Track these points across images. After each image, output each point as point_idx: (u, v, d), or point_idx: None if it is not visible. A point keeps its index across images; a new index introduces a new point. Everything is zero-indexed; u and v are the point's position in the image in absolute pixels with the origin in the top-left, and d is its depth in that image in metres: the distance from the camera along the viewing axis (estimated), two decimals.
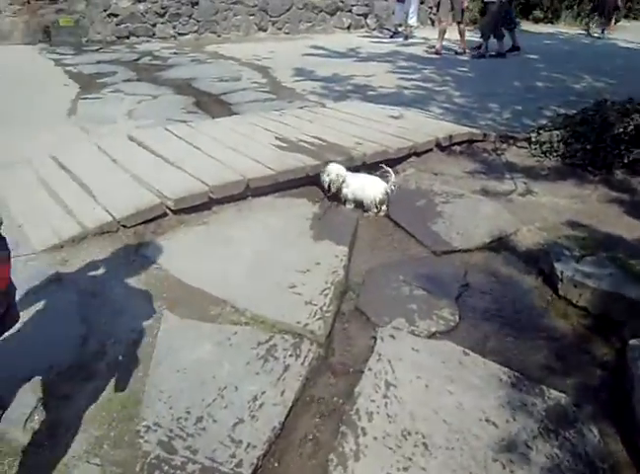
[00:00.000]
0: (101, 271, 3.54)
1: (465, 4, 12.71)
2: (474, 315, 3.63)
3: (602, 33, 17.89)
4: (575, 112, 6.41)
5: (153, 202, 4.11)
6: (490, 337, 3.43)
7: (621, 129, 5.52)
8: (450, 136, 5.93)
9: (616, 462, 2.62)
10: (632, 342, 3.24)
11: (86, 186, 4.32)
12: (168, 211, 4.17)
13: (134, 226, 3.90)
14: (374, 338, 3.26)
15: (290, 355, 2.97)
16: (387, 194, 4.61)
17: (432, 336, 3.36)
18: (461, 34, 12.76)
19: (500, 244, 4.42)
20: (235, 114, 7.09)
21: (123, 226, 3.86)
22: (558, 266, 3.83)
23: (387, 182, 4.62)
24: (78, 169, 4.60)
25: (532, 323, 3.61)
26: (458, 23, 12.60)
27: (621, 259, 3.99)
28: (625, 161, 5.49)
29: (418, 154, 5.72)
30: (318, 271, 3.76)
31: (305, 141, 5.47)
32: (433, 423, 2.63)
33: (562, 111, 7.52)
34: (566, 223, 4.62)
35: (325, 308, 3.37)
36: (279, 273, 3.71)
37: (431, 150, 5.83)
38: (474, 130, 6.24)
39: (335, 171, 4.66)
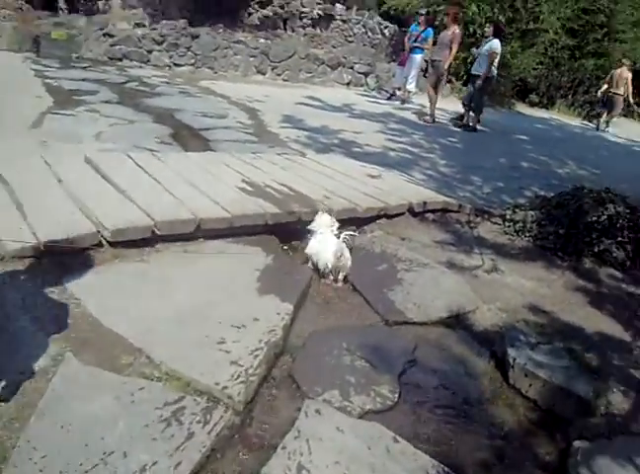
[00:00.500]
0: (7, 299, 3.21)
1: (445, 76, 13.02)
2: (416, 396, 3.34)
3: (607, 127, 18.27)
4: (552, 195, 6.31)
5: (88, 230, 3.83)
6: (428, 422, 3.14)
7: (595, 218, 5.40)
8: (425, 203, 5.78)
9: None
10: (575, 443, 2.99)
11: (20, 202, 4.03)
12: (104, 243, 3.88)
13: (61, 254, 3.59)
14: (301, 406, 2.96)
15: (198, 422, 2.64)
16: (341, 260, 4.35)
17: (365, 414, 3.06)
18: (432, 101, 12.78)
19: (457, 321, 4.18)
20: (211, 150, 6.93)
21: (49, 252, 3.54)
22: (511, 352, 3.59)
23: (347, 245, 4.40)
24: (16, 184, 4.31)
25: (477, 412, 3.33)
26: (435, 91, 12.65)
27: (577, 351, 3.76)
28: (595, 250, 5.35)
29: (389, 217, 5.54)
30: (254, 328, 3.47)
31: (273, 188, 5.28)
32: None
33: (542, 192, 7.50)
34: (528, 307, 4.40)
35: (251, 371, 3.06)
36: (210, 325, 3.41)
37: (402, 214, 5.66)
38: (450, 200, 6.10)
39: (318, 222, 4.45)
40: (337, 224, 4.52)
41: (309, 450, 2.58)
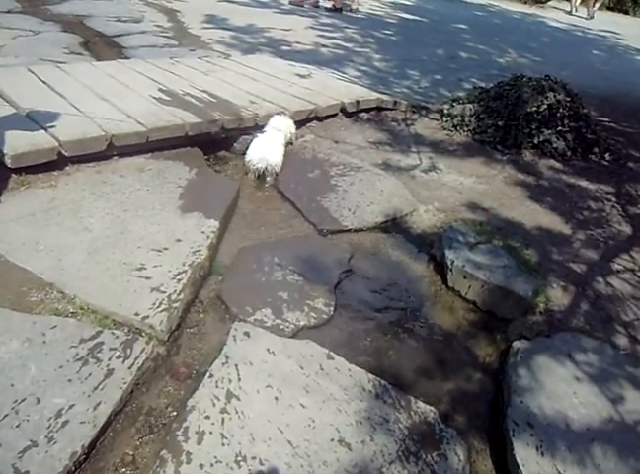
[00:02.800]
0: None
1: None
2: (352, 307, 3.22)
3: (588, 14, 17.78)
4: (491, 85, 6.06)
5: None
6: (365, 334, 3.05)
7: (534, 108, 5.23)
8: (358, 102, 5.43)
9: None
10: (515, 343, 2.96)
11: None
12: (7, 170, 3.45)
13: None
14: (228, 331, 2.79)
15: (118, 357, 2.43)
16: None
17: (299, 331, 2.93)
18: None
19: (393, 225, 4.03)
20: (125, 58, 6.26)
21: None
22: (449, 253, 3.49)
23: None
24: None
25: (416, 318, 3.25)
26: None
27: (516, 248, 3.70)
28: (535, 141, 5.23)
29: (320, 119, 5.20)
30: (177, 249, 3.21)
31: (192, 96, 4.81)
32: (275, 444, 2.20)
33: (482, 84, 7.25)
34: (466, 205, 4.28)
35: (174, 296, 2.83)
36: (128, 252, 3.12)
37: (335, 115, 5.33)
38: (384, 97, 5.77)
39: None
40: (292, 126, 4.54)
41: (238, 376, 2.43)
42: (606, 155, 5.39)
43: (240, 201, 4.01)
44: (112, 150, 3.93)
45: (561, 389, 2.64)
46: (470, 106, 5.58)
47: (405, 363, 2.91)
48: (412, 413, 2.46)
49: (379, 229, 3.97)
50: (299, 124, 5.01)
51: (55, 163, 3.69)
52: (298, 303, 3.11)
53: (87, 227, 3.27)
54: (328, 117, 5.21)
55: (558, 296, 3.34)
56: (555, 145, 5.19)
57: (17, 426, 2.08)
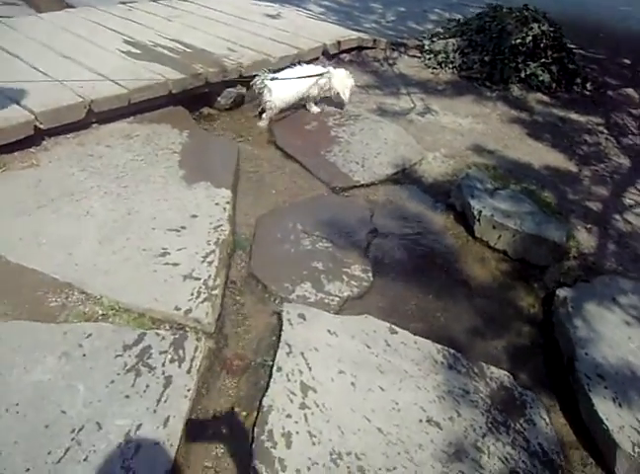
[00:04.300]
0: None
1: None
2: (388, 269, 3.08)
3: None
4: (468, 17, 5.82)
5: None
6: (409, 297, 2.92)
7: (519, 40, 5.06)
8: (339, 43, 5.09)
9: (568, 448, 2.30)
10: (559, 292, 2.92)
11: None
12: None
13: None
14: (278, 315, 2.59)
15: (172, 361, 2.19)
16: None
17: (345, 303, 2.76)
18: None
19: (404, 175, 3.86)
20: (69, 7, 5.54)
21: None
22: (474, 203, 3.36)
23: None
24: None
25: (450, 273, 3.15)
26: None
27: (535, 192, 3.63)
28: (522, 75, 5.10)
29: (303, 63, 4.82)
30: (196, 227, 2.92)
31: (164, 47, 4.33)
32: (367, 435, 2.07)
33: (446, 14, 7.00)
34: (472, 148, 4.15)
35: (211, 283, 2.58)
36: (144, 235, 2.81)
37: (317, 59, 4.97)
38: (364, 36, 5.43)
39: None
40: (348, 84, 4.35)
41: (308, 366, 2.26)
42: (587, 85, 5.35)
43: (241, 163, 3.70)
44: (91, 117, 3.50)
45: (617, 336, 2.64)
46: (452, 41, 5.34)
47: (455, 325, 2.82)
48: (488, 380, 2.39)
49: (391, 181, 3.79)
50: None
51: (31, 138, 3.25)
52: (335, 272, 2.93)
53: (88, 211, 2.91)
54: (310, 61, 4.85)
55: (585, 238, 3.32)
56: (541, 78, 5.09)
57: (84, 459, 1.82)
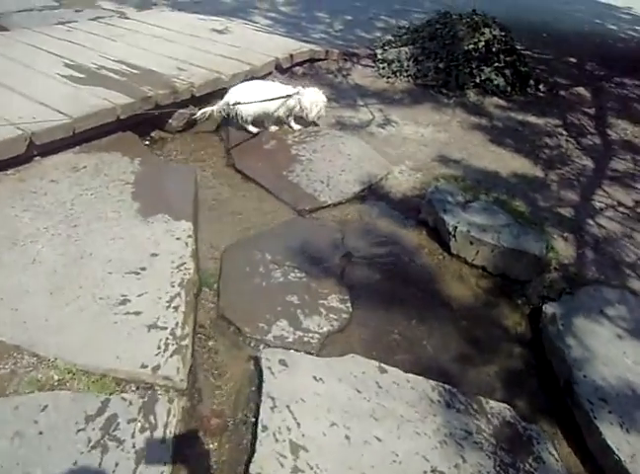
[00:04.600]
0: None
1: None
2: (366, 296, 2.91)
3: None
4: (418, 25, 5.75)
5: None
6: (391, 325, 2.76)
7: (472, 46, 5.01)
8: (291, 56, 4.92)
9: None
10: (546, 308, 2.81)
11: None
12: None
13: None
14: (255, 360, 2.38)
15: (142, 430, 1.95)
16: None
17: (326, 339, 2.58)
18: None
19: (372, 192, 3.71)
20: (3, 29, 5.15)
21: None
22: (448, 219, 3.24)
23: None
24: None
25: (430, 295, 3.01)
26: None
27: (506, 202, 3.55)
28: (477, 81, 5.05)
29: (256, 79, 4.62)
30: (157, 267, 2.68)
31: (109, 69, 4.05)
32: None
33: (393, 21, 6.95)
34: (437, 159, 4.04)
35: (179, 331, 2.35)
36: (100, 280, 2.55)
37: (270, 74, 4.78)
38: (315, 48, 5.27)
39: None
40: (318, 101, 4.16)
41: (295, 421, 2.05)
42: (541, 87, 5.37)
43: (200, 190, 3.45)
44: (32, 150, 3.21)
45: (611, 352, 2.56)
46: (405, 49, 5.25)
47: (443, 353, 2.67)
48: (489, 416, 2.25)
49: (359, 199, 3.63)
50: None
51: None
52: (312, 306, 2.74)
53: (35, 258, 2.63)
54: (264, 76, 4.65)
55: (563, 247, 3.25)
56: (496, 82, 5.06)
57: None
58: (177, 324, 2.38)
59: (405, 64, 5.17)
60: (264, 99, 3.85)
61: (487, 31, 5.04)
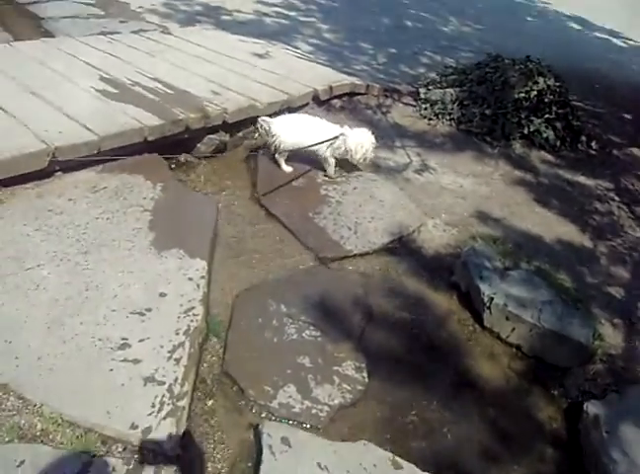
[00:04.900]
0: None
1: None
2: (384, 366, 2.66)
3: None
4: (466, 65, 5.53)
5: None
6: (410, 405, 2.51)
7: (523, 94, 4.76)
8: (331, 88, 4.73)
9: None
10: (588, 408, 2.51)
11: None
12: None
13: None
14: (255, 430, 2.15)
15: None
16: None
17: (336, 413, 2.33)
18: None
19: (402, 245, 3.47)
20: (47, 34, 5.09)
21: None
22: (484, 288, 2.97)
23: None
24: None
25: (456, 372, 2.75)
26: None
27: (549, 273, 3.26)
28: (525, 132, 4.80)
29: (292, 110, 4.45)
30: (164, 309, 2.47)
31: (143, 86, 3.92)
32: None
33: (439, 58, 6.75)
34: (476, 215, 3.78)
35: (178, 389, 2.13)
36: (102, 318, 2.36)
37: (307, 104, 4.60)
38: (356, 81, 5.08)
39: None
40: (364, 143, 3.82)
41: None
42: (592, 144, 5.08)
43: (220, 223, 3.26)
44: (54, 166, 3.06)
45: None
46: (450, 91, 5.03)
47: (465, 445, 2.41)
48: None
49: (387, 251, 3.39)
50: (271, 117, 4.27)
51: None
52: (325, 372, 2.50)
53: (39, 284, 2.46)
54: (300, 106, 4.47)
55: (610, 334, 2.95)
56: (545, 135, 4.79)
57: None
58: (176, 379, 2.16)
59: (449, 107, 4.95)
60: (310, 141, 3.70)
61: (541, 80, 4.79)
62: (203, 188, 3.57)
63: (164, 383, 2.14)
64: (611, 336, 2.93)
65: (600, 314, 3.04)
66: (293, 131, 3.69)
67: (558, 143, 4.84)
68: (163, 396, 2.09)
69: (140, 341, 2.29)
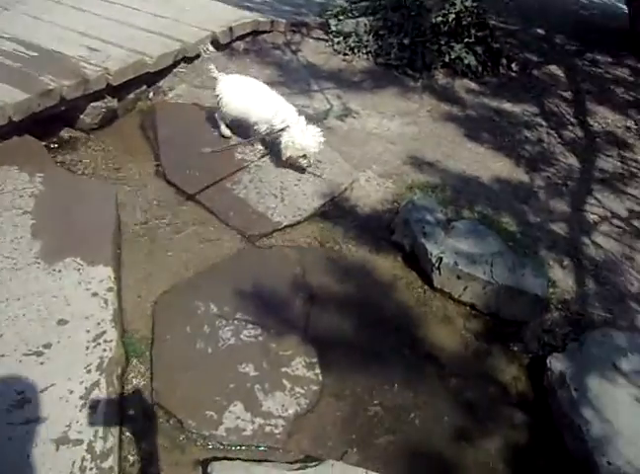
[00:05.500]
0: None
1: None
2: (336, 355, 2.38)
3: None
4: None
5: None
6: (372, 395, 2.25)
7: (441, 18, 4.38)
8: (231, 29, 4.13)
9: None
10: (552, 364, 2.37)
11: None
12: None
13: None
14: (203, 467, 1.82)
15: None
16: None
17: (292, 425, 2.04)
18: None
19: (335, 207, 3.13)
20: None
21: None
22: (430, 247, 2.72)
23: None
24: None
25: (412, 344, 2.51)
26: None
27: (493, 219, 3.06)
28: (446, 60, 4.45)
29: (189, 59, 3.86)
30: (67, 342, 2.02)
31: (0, 51, 3.19)
32: None
33: None
34: (409, 161, 3.48)
35: (100, 446, 1.74)
36: None
37: (205, 51, 3.99)
38: (259, 17, 4.48)
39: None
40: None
41: None
42: (513, 66, 4.83)
43: (122, 214, 2.75)
44: None
45: (634, 423, 2.16)
46: (364, 20, 4.56)
47: (434, 429, 2.20)
48: None
49: (320, 216, 3.05)
50: (165, 73, 3.67)
51: None
52: (273, 377, 2.18)
53: None
54: (197, 55, 3.87)
55: (561, 278, 2.81)
56: (467, 61, 4.48)
57: None
58: (96, 434, 1.77)
59: (364, 39, 4.49)
60: (255, 117, 3.21)
61: (458, 1, 4.40)
62: (95, 170, 3.00)
63: (81, 442, 1.73)
64: (563, 279, 2.78)
65: (549, 256, 2.89)
66: (240, 99, 3.19)
67: (480, 69, 4.55)
68: (83, 459, 1.69)
69: (42, 391, 1.85)
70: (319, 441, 2.04)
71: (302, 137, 3.05)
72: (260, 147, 3.33)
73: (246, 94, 3.19)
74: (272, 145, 3.26)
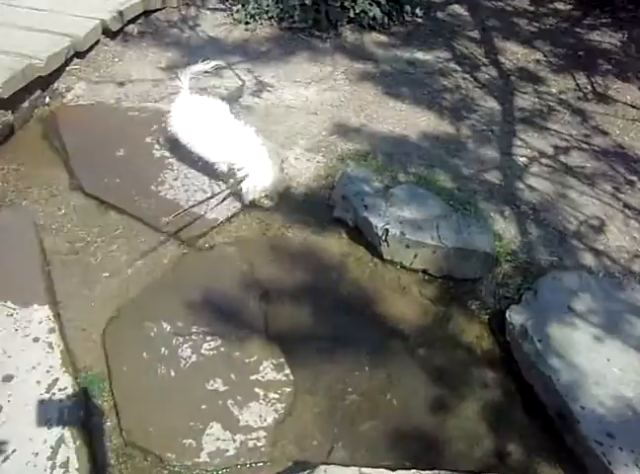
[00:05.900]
0: None
1: None
2: (302, 350, 2.35)
3: None
4: None
5: None
6: (345, 384, 2.24)
7: None
8: (121, 13, 3.79)
9: None
10: (511, 317, 2.43)
11: None
12: None
13: None
14: None
15: None
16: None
17: (275, 431, 2.01)
18: None
19: (270, 192, 2.99)
20: None
21: None
22: (374, 220, 2.68)
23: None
24: None
25: (373, 322, 2.50)
26: None
27: (429, 178, 3.05)
28: (352, 15, 4.32)
29: (81, 54, 3.54)
30: (17, 400, 1.86)
31: None
32: None
33: None
34: (335, 131, 3.38)
35: None
36: None
37: (97, 43, 3.68)
38: None
39: None
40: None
41: None
42: (417, 11, 4.74)
43: (46, 242, 2.53)
44: None
45: (597, 364, 2.24)
46: None
47: (412, 405, 2.22)
48: None
49: (255, 205, 2.92)
50: (58, 73, 3.35)
51: None
52: (244, 388, 2.13)
53: None
54: (91, 48, 3.56)
55: (505, 228, 2.85)
56: (372, 14, 4.36)
57: None
58: None
59: (264, 4, 4.26)
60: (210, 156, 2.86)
61: None
62: (4, 196, 2.73)
63: None
64: (506, 229, 2.82)
65: (489, 208, 2.90)
66: (197, 130, 2.83)
67: (386, 19, 4.45)
68: None
69: (4, 461, 1.71)
70: (304, 444, 2.02)
71: (265, 179, 2.79)
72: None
73: (206, 125, 2.83)
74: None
